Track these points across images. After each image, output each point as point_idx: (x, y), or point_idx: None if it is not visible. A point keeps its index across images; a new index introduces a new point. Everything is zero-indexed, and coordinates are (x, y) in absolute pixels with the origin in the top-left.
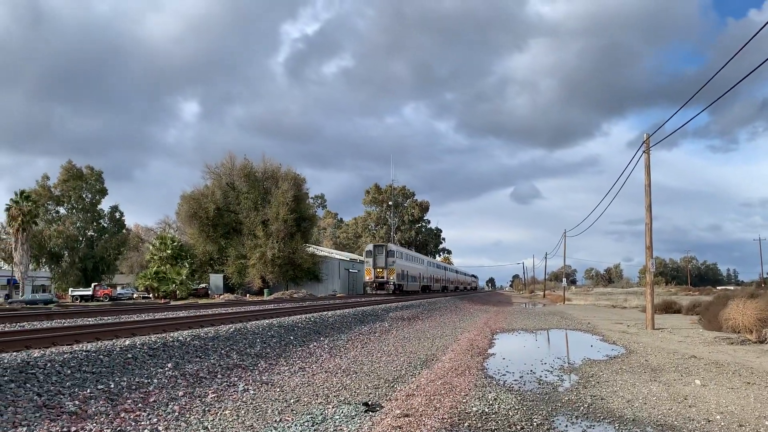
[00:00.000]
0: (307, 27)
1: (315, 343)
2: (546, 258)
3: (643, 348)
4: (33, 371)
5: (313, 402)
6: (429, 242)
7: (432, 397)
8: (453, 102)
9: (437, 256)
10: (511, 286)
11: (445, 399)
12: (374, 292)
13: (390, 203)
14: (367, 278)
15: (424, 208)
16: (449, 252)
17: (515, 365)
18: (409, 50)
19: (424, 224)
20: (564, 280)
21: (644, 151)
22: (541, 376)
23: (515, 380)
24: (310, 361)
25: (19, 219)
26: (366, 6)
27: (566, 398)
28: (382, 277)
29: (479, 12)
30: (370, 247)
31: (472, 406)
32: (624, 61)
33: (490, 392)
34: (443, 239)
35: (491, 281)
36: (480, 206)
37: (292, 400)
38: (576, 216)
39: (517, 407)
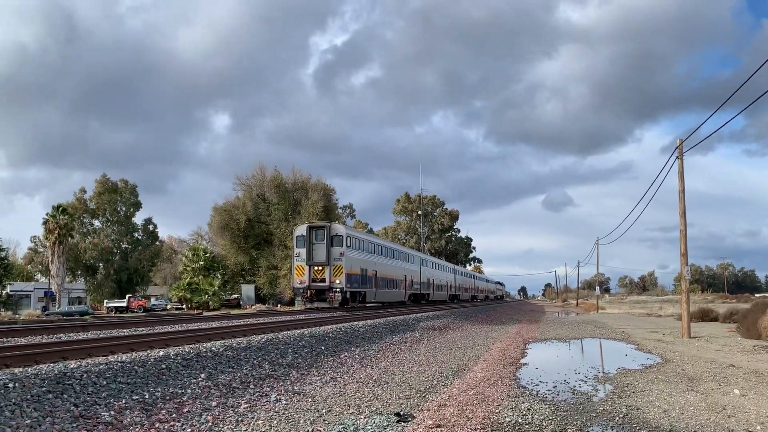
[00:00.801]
0: (336, 38)
1: (346, 353)
2: (579, 266)
3: (679, 357)
4: (70, 382)
5: (345, 412)
6: (459, 251)
7: (464, 408)
8: (482, 110)
9: (468, 265)
10: (543, 294)
11: (477, 409)
12: (307, 306)
13: (419, 212)
14: (296, 281)
15: (454, 216)
16: (480, 261)
17: (548, 375)
18: (438, 59)
19: (454, 233)
20: (597, 288)
21: (677, 157)
22: (575, 386)
23: (549, 390)
24: (342, 371)
25: (56, 232)
26: (394, 16)
27: (601, 408)
28: (321, 280)
29: (508, 19)
30: (301, 229)
31: (506, 417)
32: (656, 65)
33: (524, 402)
34: (474, 248)
35: (523, 290)
36: (511, 214)
37: (324, 411)
38: (609, 223)
39: (550, 418)
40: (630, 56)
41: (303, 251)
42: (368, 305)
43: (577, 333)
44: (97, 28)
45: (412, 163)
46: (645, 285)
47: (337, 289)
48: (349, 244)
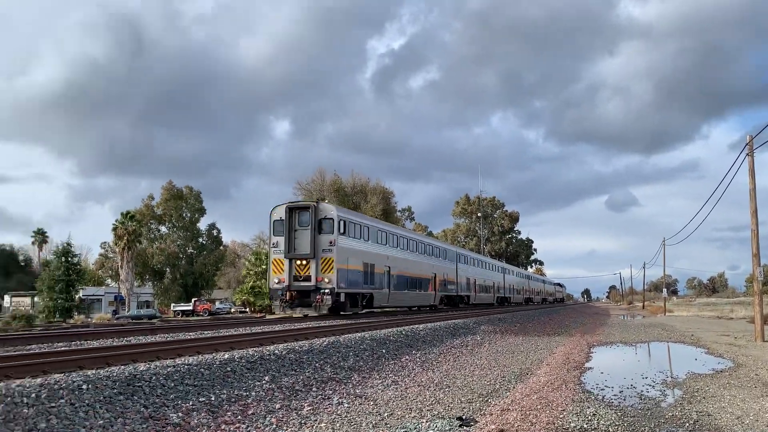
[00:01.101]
0: (393, 42)
1: (407, 357)
2: (644, 267)
3: (752, 361)
4: (139, 384)
5: (407, 416)
6: (520, 253)
7: (528, 412)
8: (542, 110)
9: (529, 267)
10: (607, 297)
11: (541, 414)
12: (285, 312)
13: (479, 214)
14: (273, 280)
15: (514, 218)
16: (541, 263)
17: (614, 379)
18: (497, 60)
19: (514, 235)
20: (664, 290)
21: (748, 153)
22: (642, 391)
23: (615, 395)
24: (403, 375)
25: (125, 238)
26: (452, 18)
27: (670, 414)
28: (306, 278)
29: (567, 17)
30: (279, 212)
31: (570, 422)
32: (723, 60)
33: (589, 407)
34: (535, 250)
35: (586, 292)
36: (573, 215)
37: (385, 414)
38: (675, 223)
39: (617, 423)
40: (695, 51)
41: (281, 240)
42: (362, 310)
43: (643, 336)
44: (163, 39)
45: (471, 165)
46: (715, 287)
47: (326, 290)
48: (343, 231)
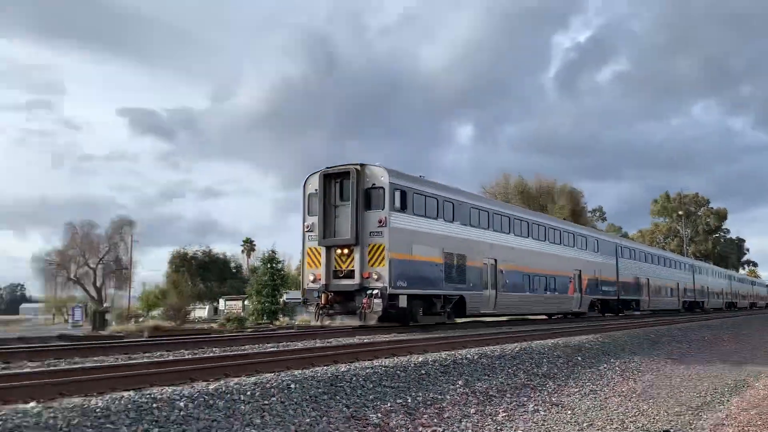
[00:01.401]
0: (578, 35)
1: (605, 365)
2: None
3: None
4: (341, 384)
5: (608, 427)
6: (729, 254)
7: (746, 428)
8: (750, 96)
9: (741, 269)
10: None
11: (762, 431)
12: (323, 323)
13: (680, 213)
14: (308, 276)
15: (722, 216)
16: (755, 264)
17: None
18: (696, 46)
19: (722, 234)
20: None
21: None
22: None
23: None
24: (601, 384)
25: None
26: (642, 6)
27: None
28: (348, 274)
29: None
30: (313, 183)
31: None
32: None
33: None
34: (747, 250)
35: None
36: None
37: (584, 424)
38: None
39: None
40: None
41: (316, 221)
42: (451, 320)
43: None
44: (351, 56)
45: (669, 160)
46: None
47: (375, 291)
48: (402, 205)
